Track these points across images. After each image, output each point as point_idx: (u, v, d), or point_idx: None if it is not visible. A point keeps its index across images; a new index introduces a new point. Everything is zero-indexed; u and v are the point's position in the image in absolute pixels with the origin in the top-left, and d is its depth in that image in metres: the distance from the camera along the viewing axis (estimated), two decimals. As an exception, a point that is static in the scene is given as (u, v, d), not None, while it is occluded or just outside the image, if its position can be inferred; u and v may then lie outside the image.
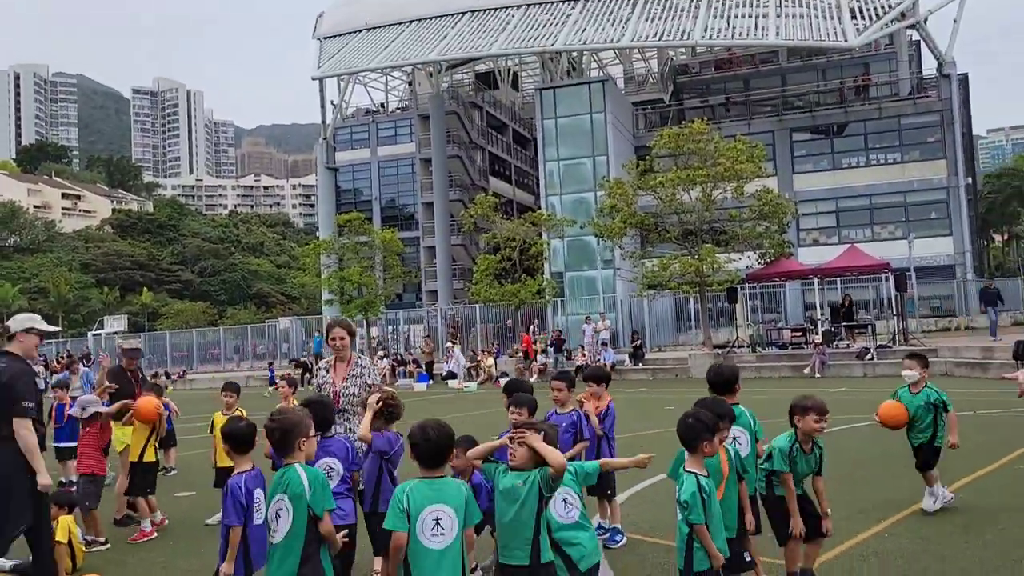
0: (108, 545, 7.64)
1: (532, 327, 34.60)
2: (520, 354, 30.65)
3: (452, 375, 30.24)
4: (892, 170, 40.30)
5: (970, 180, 43.84)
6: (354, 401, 6.01)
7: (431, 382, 29.89)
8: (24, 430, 5.34)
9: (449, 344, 33.08)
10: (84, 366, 20.14)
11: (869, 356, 24.27)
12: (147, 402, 8.17)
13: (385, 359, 34.52)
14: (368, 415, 5.32)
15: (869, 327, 26.52)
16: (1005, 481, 8.68)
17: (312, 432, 4.22)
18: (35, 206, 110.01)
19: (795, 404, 5.44)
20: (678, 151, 29.59)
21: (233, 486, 4.57)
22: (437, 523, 3.78)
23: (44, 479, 5.46)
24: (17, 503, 5.36)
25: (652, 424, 13.59)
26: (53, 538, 5.98)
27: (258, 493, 4.61)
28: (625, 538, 6.93)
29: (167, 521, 8.36)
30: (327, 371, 6.32)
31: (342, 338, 6.24)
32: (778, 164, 40.89)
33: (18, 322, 5.73)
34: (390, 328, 43.44)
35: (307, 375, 28.15)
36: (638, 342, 29.90)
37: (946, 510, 7.52)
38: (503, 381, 25.05)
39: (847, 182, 40.76)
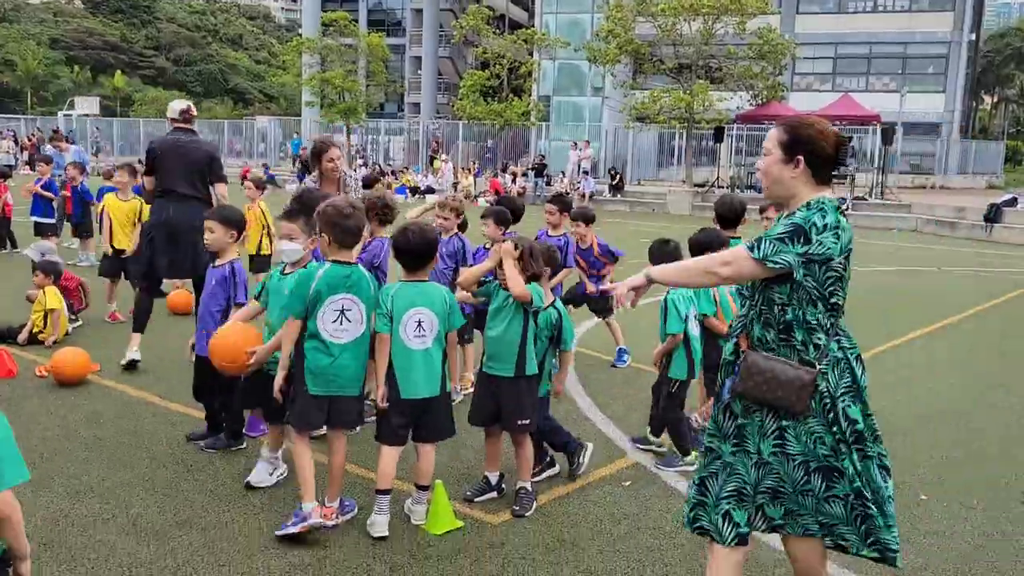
0: (80, 323, 7.96)
1: (508, 163, 33.63)
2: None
3: (431, 190, 30.16)
4: (898, 19, 39.02)
5: (974, 36, 42.73)
6: None
7: (408, 197, 29.78)
8: (225, 191, 6.71)
9: (444, 158, 32.78)
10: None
11: (844, 207, 24.50)
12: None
13: (364, 168, 34.24)
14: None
15: (848, 178, 26.64)
16: (966, 330, 9.16)
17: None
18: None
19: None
20: (684, -22, 28.34)
21: (239, 268, 4.91)
22: (419, 325, 3.98)
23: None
24: (202, 251, 6.13)
25: (629, 255, 13.91)
26: None
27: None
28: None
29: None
30: (316, 185, 6.15)
31: (339, 158, 5.98)
32: (783, 1, 39.40)
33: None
34: (370, 138, 42.75)
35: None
36: (617, 177, 29.88)
37: (906, 359, 7.95)
38: (480, 201, 25.16)
39: (850, 27, 39.49)
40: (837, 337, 2.82)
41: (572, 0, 39.01)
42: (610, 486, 4.67)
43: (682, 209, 26.51)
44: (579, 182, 29.09)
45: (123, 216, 8.45)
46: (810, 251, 2.73)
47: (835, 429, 2.78)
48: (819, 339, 2.79)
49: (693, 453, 4.87)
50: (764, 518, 2.91)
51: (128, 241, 8.26)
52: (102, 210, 8.62)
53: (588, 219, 7.19)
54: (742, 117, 29.40)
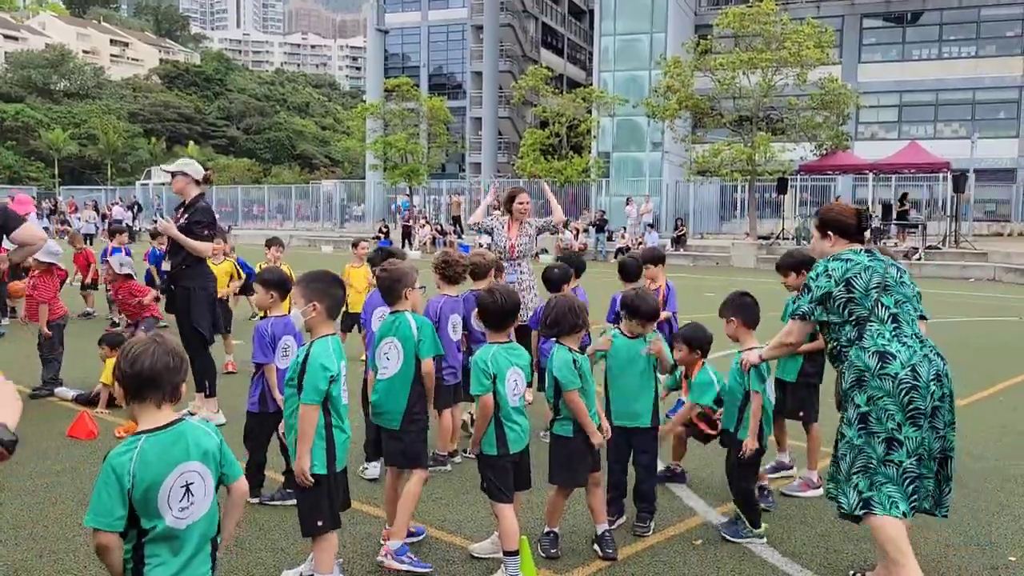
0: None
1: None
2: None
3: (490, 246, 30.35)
4: (964, 65, 38.45)
5: (1045, 80, 41.76)
6: (525, 250, 7.21)
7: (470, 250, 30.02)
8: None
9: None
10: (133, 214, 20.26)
11: (917, 256, 23.95)
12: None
13: (427, 227, 34.78)
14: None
15: (920, 227, 26.06)
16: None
17: (418, 284, 4.42)
18: (84, 51, 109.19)
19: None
20: (741, 32, 28.49)
21: (260, 328, 5.05)
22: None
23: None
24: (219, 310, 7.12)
25: (691, 309, 13.70)
26: None
27: (286, 340, 4.96)
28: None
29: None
30: (503, 227, 7.29)
31: (529, 203, 7.27)
32: (844, 52, 39.17)
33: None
34: (432, 198, 43.51)
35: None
36: (683, 230, 29.75)
37: (985, 414, 7.61)
38: (541, 258, 25.25)
39: (915, 75, 39.05)
40: (858, 343, 3.74)
41: (629, 58, 39.47)
42: (680, 546, 4.53)
43: (747, 262, 26.18)
44: (642, 236, 29.00)
45: (359, 282, 9.20)
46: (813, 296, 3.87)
47: (850, 415, 3.75)
48: (845, 352, 3.80)
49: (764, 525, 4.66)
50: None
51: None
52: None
53: (656, 260, 7.11)
54: (806, 168, 29.11)
